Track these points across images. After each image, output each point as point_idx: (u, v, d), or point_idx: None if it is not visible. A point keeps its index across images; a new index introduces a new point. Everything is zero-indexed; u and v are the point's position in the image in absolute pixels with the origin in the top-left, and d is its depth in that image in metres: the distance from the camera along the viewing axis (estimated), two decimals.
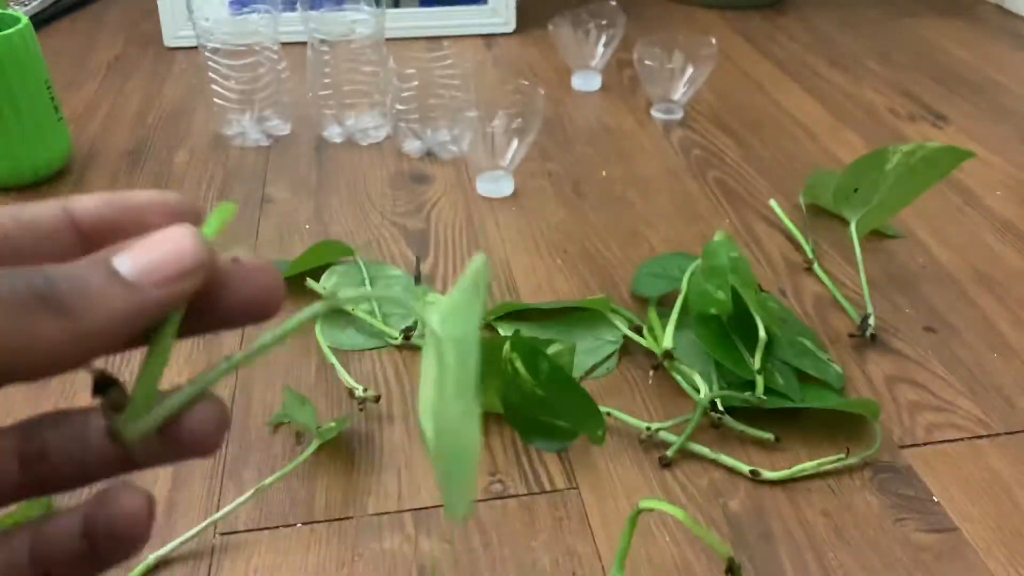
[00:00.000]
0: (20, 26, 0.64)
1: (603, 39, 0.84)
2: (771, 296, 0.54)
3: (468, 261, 0.59)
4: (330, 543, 0.39)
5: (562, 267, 0.59)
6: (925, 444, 0.45)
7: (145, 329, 0.17)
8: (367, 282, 0.56)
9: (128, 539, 0.17)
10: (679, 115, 0.79)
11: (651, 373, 0.49)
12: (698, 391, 0.45)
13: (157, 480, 0.42)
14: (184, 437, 0.18)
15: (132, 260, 0.17)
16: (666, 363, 0.47)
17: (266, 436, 0.45)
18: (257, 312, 0.19)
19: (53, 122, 0.67)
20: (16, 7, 0.99)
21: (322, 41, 0.72)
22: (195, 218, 0.19)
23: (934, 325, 0.54)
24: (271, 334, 0.19)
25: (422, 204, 0.66)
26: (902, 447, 0.45)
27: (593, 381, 0.48)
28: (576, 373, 0.47)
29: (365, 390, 0.46)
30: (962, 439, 0.45)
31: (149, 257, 0.17)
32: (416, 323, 0.51)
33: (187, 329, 0.19)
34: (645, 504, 0.36)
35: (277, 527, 0.40)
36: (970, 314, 0.55)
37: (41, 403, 0.46)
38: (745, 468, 0.42)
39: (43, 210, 0.18)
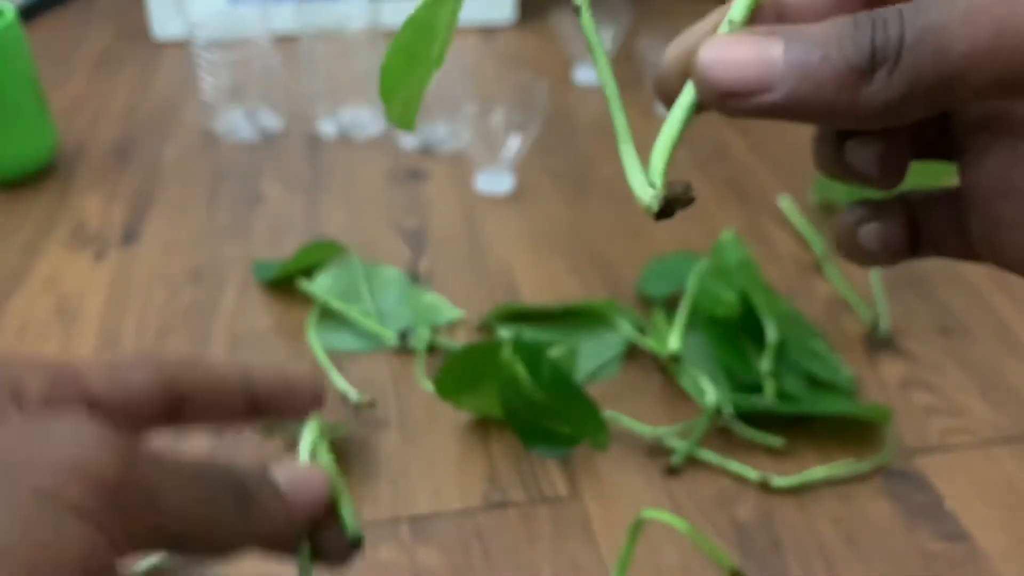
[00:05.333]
0: (7, 19, 0.62)
1: (607, 31, 0.83)
2: (780, 297, 0.53)
3: (467, 260, 0.58)
4: None
5: (564, 267, 0.58)
6: (939, 450, 0.44)
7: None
8: (362, 282, 0.54)
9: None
10: None
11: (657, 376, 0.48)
12: (705, 395, 0.44)
13: None
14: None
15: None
16: (672, 366, 0.46)
17: (257, 443, 0.44)
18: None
19: (39, 117, 0.66)
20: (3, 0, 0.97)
21: (315, 34, 0.70)
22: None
23: (948, 327, 0.53)
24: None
25: (419, 201, 0.65)
26: (915, 453, 0.44)
27: (596, 385, 0.47)
28: (579, 377, 0.46)
29: (359, 395, 0.45)
30: (977, 445, 0.44)
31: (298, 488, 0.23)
32: (412, 325, 0.50)
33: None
34: (647, 514, 0.35)
35: None
36: (985, 316, 0.54)
37: None
38: (754, 475, 0.41)
39: (229, 373, 0.24)
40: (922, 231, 0.22)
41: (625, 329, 0.50)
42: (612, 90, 0.19)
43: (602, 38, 0.85)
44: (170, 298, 0.55)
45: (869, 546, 0.39)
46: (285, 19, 0.84)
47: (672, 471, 0.42)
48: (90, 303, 0.54)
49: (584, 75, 0.84)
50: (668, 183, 0.18)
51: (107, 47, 0.93)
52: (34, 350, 0.50)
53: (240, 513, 0.20)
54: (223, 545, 0.20)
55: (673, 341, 0.46)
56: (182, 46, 0.91)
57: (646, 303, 0.54)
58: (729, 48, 0.17)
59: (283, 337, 0.51)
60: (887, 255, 0.22)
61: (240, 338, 0.51)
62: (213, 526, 0.20)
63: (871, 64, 0.16)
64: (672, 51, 0.20)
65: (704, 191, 0.67)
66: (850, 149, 0.19)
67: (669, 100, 0.19)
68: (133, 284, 0.56)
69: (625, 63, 0.88)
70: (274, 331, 0.51)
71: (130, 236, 0.61)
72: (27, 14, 0.97)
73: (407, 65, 0.21)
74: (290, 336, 0.51)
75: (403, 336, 0.50)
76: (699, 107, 0.19)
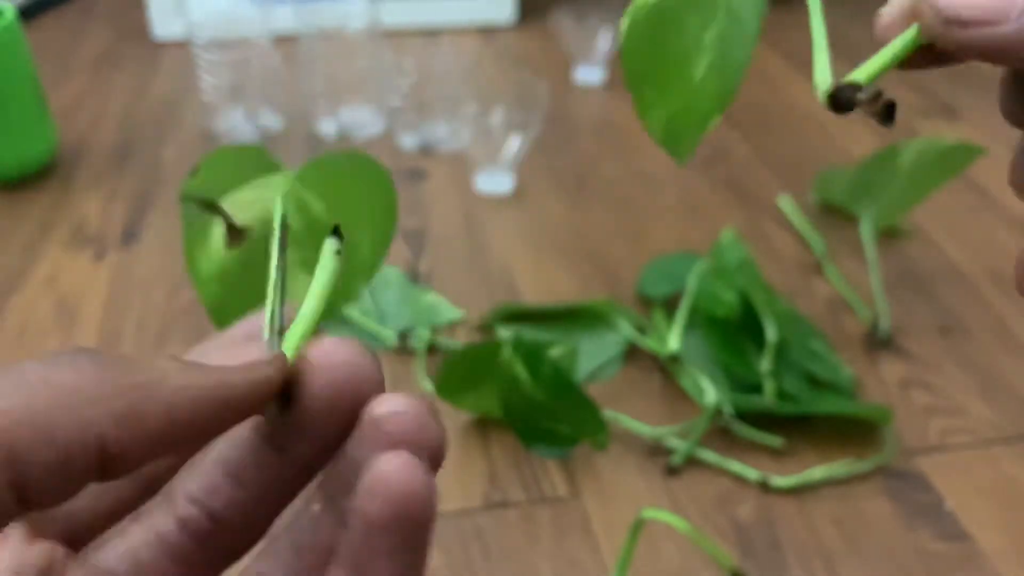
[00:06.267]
0: (7, 19, 0.62)
1: (607, 31, 0.82)
2: (780, 297, 0.53)
3: (467, 261, 0.58)
4: None
5: (564, 267, 0.57)
6: (938, 450, 0.44)
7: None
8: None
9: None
10: None
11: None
12: (705, 395, 0.44)
13: None
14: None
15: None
16: (672, 366, 0.46)
17: None
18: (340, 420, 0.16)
19: (39, 117, 0.66)
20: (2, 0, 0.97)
21: (315, 34, 0.70)
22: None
23: (948, 326, 0.53)
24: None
25: (419, 201, 0.65)
26: (915, 453, 0.44)
27: (596, 385, 0.47)
28: (579, 377, 0.46)
29: None
30: (976, 445, 0.44)
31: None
32: (412, 325, 0.50)
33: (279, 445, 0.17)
34: (647, 514, 0.35)
35: None
36: (985, 315, 0.54)
37: None
38: (754, 475, 0.41)
39: None
40: None
41: (625, 329, 0.50)
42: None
43: (602, 38, 0.85)
44: (170, 298, 0.55)
45: (869, 546, 0.39)
46: (285, 19, 0.84)
47: (672, 471, 0.42)
48: (90, 303, 0.54)
49: (584, 75, 0.84)
50: (869, 87, 0.18)
51: (107, 47, 0.93)
52: (34, 349, 0.50)
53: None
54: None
55: (673, 341, 0.46)
56: (182, 46, 0.91)
57: (646, 303, 0.53)
58: None
59: None
60: None
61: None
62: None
63: None
64: (893, 3, 0.19)
65: (704, 191, 0.67)
66: None
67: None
68: (133, 284, 0.56)
69: None
70: None
71: (130, 236, 0.61)
72: (27, 14, 0.97)
73: (656, 51, 0.17)
74: None
75: (403, 336, 0.50)
76: (919, 46, 0.18)
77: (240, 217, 0.19)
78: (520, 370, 0.42)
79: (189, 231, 0.19)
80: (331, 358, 0.16)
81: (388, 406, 0.15)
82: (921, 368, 0.49)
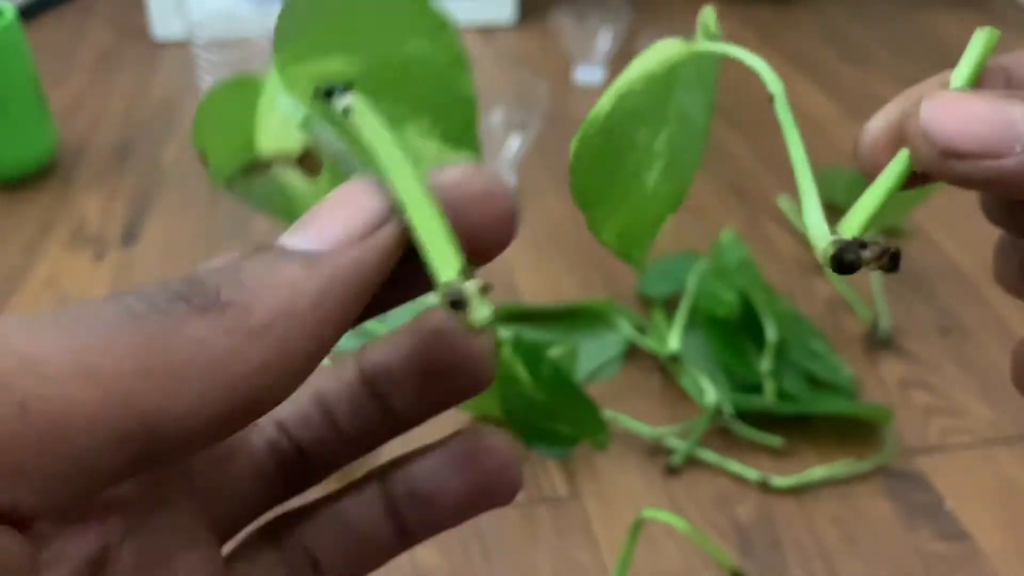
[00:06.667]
0: (7, 19, 0.62)
1: (607, 31, 0.82)
2: (780, 297, 0.53)
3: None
4: None
5: (564, 267, 0.57)
6: (938, 450, 0.44)
7: (347, 315, 0.13)
8: None
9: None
10: None
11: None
12: (705, 395, 0.44)
13: None
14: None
15: (304, 234, 0.13)
16: (672, 366, 0.46)
17: None
18: (485, 250, 0.14)
19: (39, 117, 0.66)
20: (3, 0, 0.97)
21: None
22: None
23: (948, 326, 0.53)
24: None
25: None
26: (915, 453, 0.44)
27: (596, 385, 0.47)
28: (579, 377, 0.46)
29: None
30: (976, 444, 0.44)
31: (327, 224, 0.13)
32: None
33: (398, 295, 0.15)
34: (647, 514, 0.35)
35: None
36: (985, 315, 0.54)
37: None
38: (754, 475, 0.41)
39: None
40: None
41: (625, 329, 0.50)
42: (794, 139, 0.17)
43: (602, 38, 0.85)
44: None
45: (869, 546, 0.39)
46: None
47: (672, 471, 0.42)
48: None
49: (584, 75, 0.84)
50: (860, 239, 0.16)
51: (107, 47, 0.93)
52: None
53: (198, 310, 0.12)
54: (210, 390, 0.12)
55: (673, 341, 0.46)
56: (182, 46, 0.91)
57: (646, 303, 0.53)
58: (960, 102, 0.15)
59: None
60: None
61: None
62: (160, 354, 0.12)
63: None
64: (878, 120, 0.17)
65: (704, 191, 0.67)
66: None
67: (873, 174, 0.17)
68: (133, 284, 0.56)
69: (625, 63, 0.88)
70: None
71: (130, 236, 0.61)
72: (27, 14, 0.97)
73: (607, 169, 0.16)
74: None
75: None
76: (912, 177, 0.16)
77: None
78: (520, 370, 0.42)
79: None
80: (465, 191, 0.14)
81: None
82: (921, 368, 0.49)
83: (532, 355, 0.42)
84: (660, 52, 0.17)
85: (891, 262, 0.16)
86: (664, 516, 0.35)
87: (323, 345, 0.12)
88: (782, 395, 0.44)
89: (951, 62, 0.17)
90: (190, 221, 0.62)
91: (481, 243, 0.14)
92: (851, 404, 0.46)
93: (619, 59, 0.88)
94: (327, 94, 0.14)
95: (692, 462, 0.43)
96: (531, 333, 0.49)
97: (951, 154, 0.15)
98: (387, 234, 0.13)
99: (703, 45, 0.18)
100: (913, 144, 0.16)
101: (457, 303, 0.13)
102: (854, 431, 0.44)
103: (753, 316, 0.47)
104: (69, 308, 0.12)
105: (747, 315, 0.47)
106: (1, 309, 0.54)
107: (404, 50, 0.15)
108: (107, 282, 0.56)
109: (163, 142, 0.73)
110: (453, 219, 0.14)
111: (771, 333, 0.46)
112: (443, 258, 0.13)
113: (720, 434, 0.44)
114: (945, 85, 0.17)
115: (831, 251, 0.16)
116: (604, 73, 0.84)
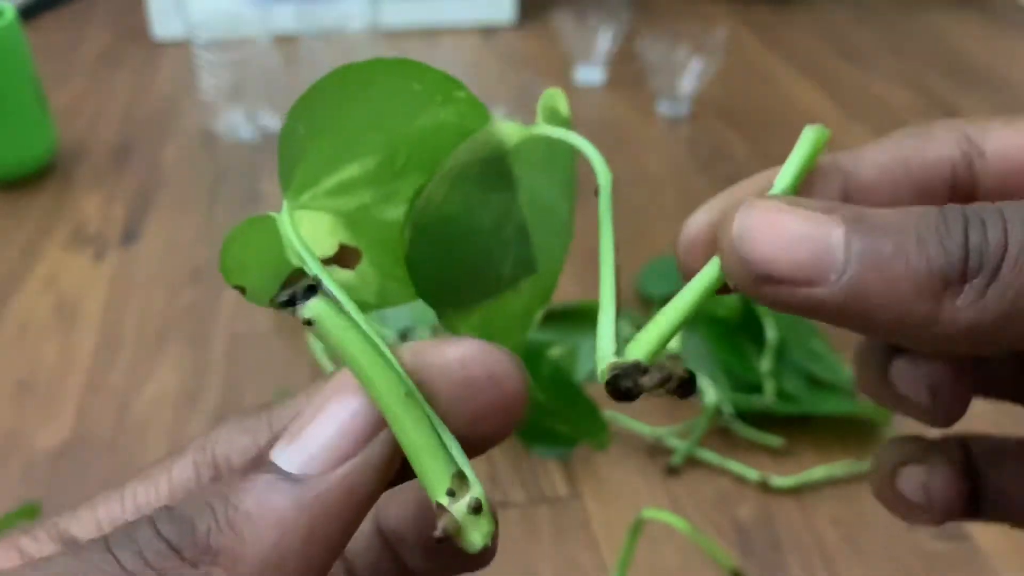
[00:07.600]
0: (7, 19, 0.62)
1: (607, 31, 0.82)
2: None
3: None
4: None
5: (564, 267, 0.57)
6: None
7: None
8: None
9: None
10: (685, 110, 0.78)
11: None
12: (705, 395, 0.44)
13: None
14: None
15: (294, 450, 0.12)
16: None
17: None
18: (490, 435, 0.13)
19: (39, 117, 0.66)
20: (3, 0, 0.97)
21: (315, 34, 0.70)
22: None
23: None
24: None
25: None
26: None
27: (597, 385, 0.47)
28: (579, 377, 0.46)
29: None
30: None
31: (314, 441, 0.12)
32: (413, 325, 0.50)
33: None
34: (647, 514, 0.35)
35: None
36: None
37: None
38: (754, 475, 0.41)
39: None
40: (986, 488, 0.17)
41: (625, 329, 0.50)
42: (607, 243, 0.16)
43: (602, 38, 0.85)
44: (170, 298, 0.54)
45: (869, 546, 0.39)
46: (285, 19, 0.84)
47: (672, 471, 0.42)
48: (90, 303, 0.54)
49: (584, 75, 0.84)
50: (655, 363, 0.14)
51: (107, 47, 0.93)
52: (34, 349, 0.50)
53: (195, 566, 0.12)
54: None
55: (673, 341, 0.46)
56: (182, 46, 0.91)
57: (646, 303, 0.53)
58: (775, 216, 0.13)
59: (283, 338, 0.51)
60: (934, 512, 0.17)
61: (240, 338, 0.50)
62: None
63: (960, 272, 0.12)
64: (699, 216, 0.15)
65: (704, 191, 0.67)
66: (898, 370, 0.16)
67: (689, 276, 0.15)
68: (133, 284, 0.56)
69: (625, 63, 0.88)
70: (274, 332, 0.51)
71: (130, 236, 0.61)
72: (27, 14, 0.97)
73: (452, 260, 0.15)
74: (290, 337, 0.51)
75: (404, 336, 0.50)
76: (723, 288, 0.15)
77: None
78: None
79: None
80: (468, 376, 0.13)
81: None
82: None
83: (532, 355, 0.42)
84: (491, 136, 0.15)
85: (680, 389, 0.14)
86: (664, 516, 0.35)
87: (316, 571, 0.12)
88: (782, 395, 0.44)
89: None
90: (190, 221, 0.62)
91: (485, 428, 0.13)
92: (851, 404, 0.45)
93: (619, 59, 0.89)
94: (288, 303, 0.13)
95: (692, 462, 0.43)
96: (531, 333, 0.49)
97: (763, 279, 0.13)
98: (378, 451, 0.12)
99: (540, 128, 0.17)
100: (724, 260, 0.14)
101: (452, 526, 0.12)
102: (854, 431, 0.44)
103: (753, 316, 0.47)
104: (58, 562, 0.12)
105: (747, 315, 0.47)
106: (1, 309, 0.54)
107: (417, 125, 0.15)
108: (107, 282, 0.56)
109: (163, 142, 0.73)
110: (454, 404, 0.13)
111: (771, 333, 0.46)
112: (433, 474, 0.12)
113: (720, 434, 0.44)
114: (770, 187, 0.15)
115: (606, 376, 0.14)
116: (604, 73, 0.84)
